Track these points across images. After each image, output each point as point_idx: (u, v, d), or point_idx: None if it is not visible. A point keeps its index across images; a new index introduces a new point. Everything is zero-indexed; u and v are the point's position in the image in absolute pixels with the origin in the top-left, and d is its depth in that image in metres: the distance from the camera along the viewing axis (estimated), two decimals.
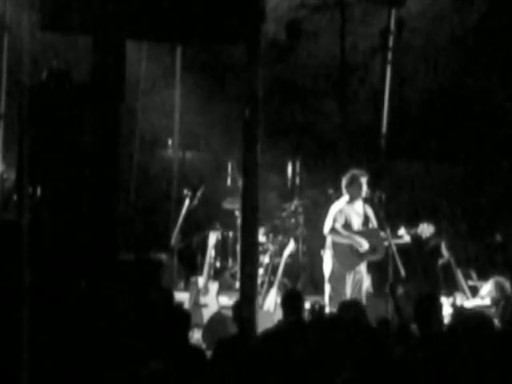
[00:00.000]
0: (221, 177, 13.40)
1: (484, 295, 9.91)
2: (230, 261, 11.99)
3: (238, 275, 10.16)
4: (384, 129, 12.69)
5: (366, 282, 9.64)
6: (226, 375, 5.54)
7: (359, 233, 9.54)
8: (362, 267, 9.58)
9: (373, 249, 9.47)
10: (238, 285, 9.43)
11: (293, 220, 12.33)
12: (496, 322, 7.41)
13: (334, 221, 9.48)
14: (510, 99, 12.84)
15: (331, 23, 13.28)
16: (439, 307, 6.59)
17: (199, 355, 6.18)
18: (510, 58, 12.87)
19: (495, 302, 9.50)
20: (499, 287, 9.02)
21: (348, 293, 9.43)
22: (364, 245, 9.45)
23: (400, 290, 10.94)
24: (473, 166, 13.14)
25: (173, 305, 7.79)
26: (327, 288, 9.52)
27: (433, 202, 12.88)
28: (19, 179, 7.26)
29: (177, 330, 6.32)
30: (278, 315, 8.55)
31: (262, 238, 11.08)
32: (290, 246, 10.47)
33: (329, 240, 9.54)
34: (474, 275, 10.19)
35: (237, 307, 7.51)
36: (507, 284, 9.25)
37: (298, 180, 13.91)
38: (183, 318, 6.53)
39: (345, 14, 12.98)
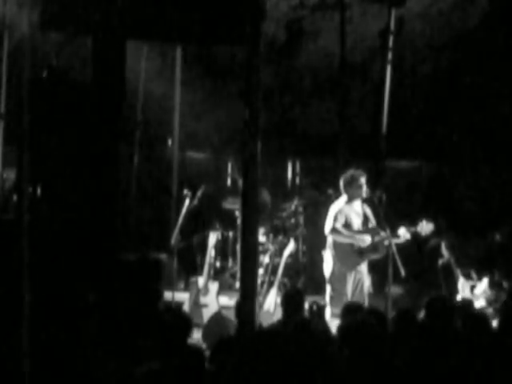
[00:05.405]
0: (221, 177, 13.41)
1: (478, 295, 9.93)
2: (230, 261, 11.99)
3: (238, 275, 10.18)
4: (384, 128, 12.68)
5: (366, 282, 9.64)
6: (225, 375, 5.55)
7: (359, 232, 9.54)
8: (363, 267, 9.57)
9: (374, 247, 9.47)
10: (238, 285, 9.44)
11: (293, 220, 12.33)
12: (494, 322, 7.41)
13: (335, 220, 9.47)
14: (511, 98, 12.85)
15: (331, 23, 13.29)
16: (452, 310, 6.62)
17: (198, 355, 6.18)
18: (510, 58, 12.88)
19: (489, 302, 9.53)
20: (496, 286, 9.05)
21: (349, 293, 9.42)
22: (366, 240, 9.44)
23: (400, 290, 10.97)
24: (473, 165, 13.15)
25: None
26: (328, 288, 9.52)
27: (432, 201, 12.89)
28: (19, 179, 7.25)
29: (176, 332, 6.30)
30: (278, 315, 8.55)
31: (262, 238, 11.07)
32: (290, 246, 10.47)
33: (329, 240, 9.54)
34: (473, 275, 10.20)
35: (240, 306, 7.52)
36: (504, 283, 9.28)
37: (297, 180, 13.91)
38: (183, 322, 6.50)
39: (345, 13, 12.98)
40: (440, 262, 10.48)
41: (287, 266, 10.55)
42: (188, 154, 13.61)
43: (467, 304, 9.07)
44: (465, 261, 10.53)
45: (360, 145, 13.03)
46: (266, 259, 10.89)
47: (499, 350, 5.98)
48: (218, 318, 9.70)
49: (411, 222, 9.60)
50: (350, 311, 6.74)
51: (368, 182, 9.57)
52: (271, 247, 11.21)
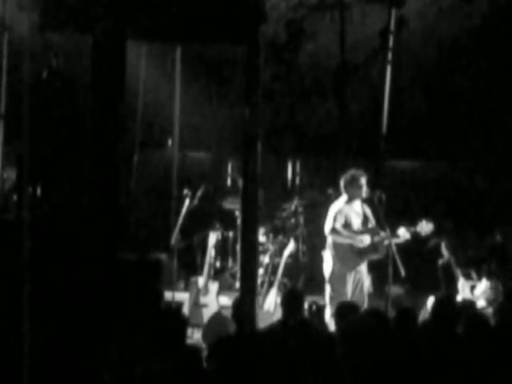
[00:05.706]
0: (221, 177, 13.41)
1: (478, 295, 9.94)
2: (230, 261, 11.99)
3: (238, 275, 10.17)
4: (384, 129, 12.68)
5: (366, 282, 9.64)
6: (223, 374, 5.54)
7: (359, 232, 9.54)
8: (363, 267, 9.57)
9: (374, 247, 9.47)
10: (238, 285, 9.44)
11: (293, 220, 12.33)
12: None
13: (335, 221, 9.47)
14: (510, 99, 12.85)
15: (331, 23, 13.28)
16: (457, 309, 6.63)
17: (196, 355, 6.18)
18: (510, 59, 12.88)
19: (489, 302, 9.54)
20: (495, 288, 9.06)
21: (349, 293, 9.43)
22: (365, 240, 9.44)
23: (400, 290, 10.97)
24: (473, 165, 13.15)
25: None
26: (328, 288, 9.52)
27: (432, 201, 12.89)
28: (19, 179, 7.27)
29: (173, 332, 6.30)
30: (278, 315, 8.55)
31: (262, 238, 11.07)
32: (290, 246, 10.47)
33: (329, 240, 9.54)
34: (473, 275, 10.20)
35: (236, 305, 7.52)
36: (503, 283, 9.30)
37: (297, 180, 13.91)
38: (180, 322, 6.49)
39: (344, 13, 12.98)
40: (440, 261, 10.47)
41: (287, 266, 10.56)
42: (188, 154, 13.61)
43: (468, 305, 9.07)
44: (465, 261, 10.53)
45: (360, 145, 13.03)
46: (266, 259, 10.90)
47: (498, 350, 5.98)
48: (217, 317, 9.70)
49: (411, 221, 9.60)
50: (344, 311, 6.73)
51: (368, 182, 9.58)
52: (271, 247, 11.22)
